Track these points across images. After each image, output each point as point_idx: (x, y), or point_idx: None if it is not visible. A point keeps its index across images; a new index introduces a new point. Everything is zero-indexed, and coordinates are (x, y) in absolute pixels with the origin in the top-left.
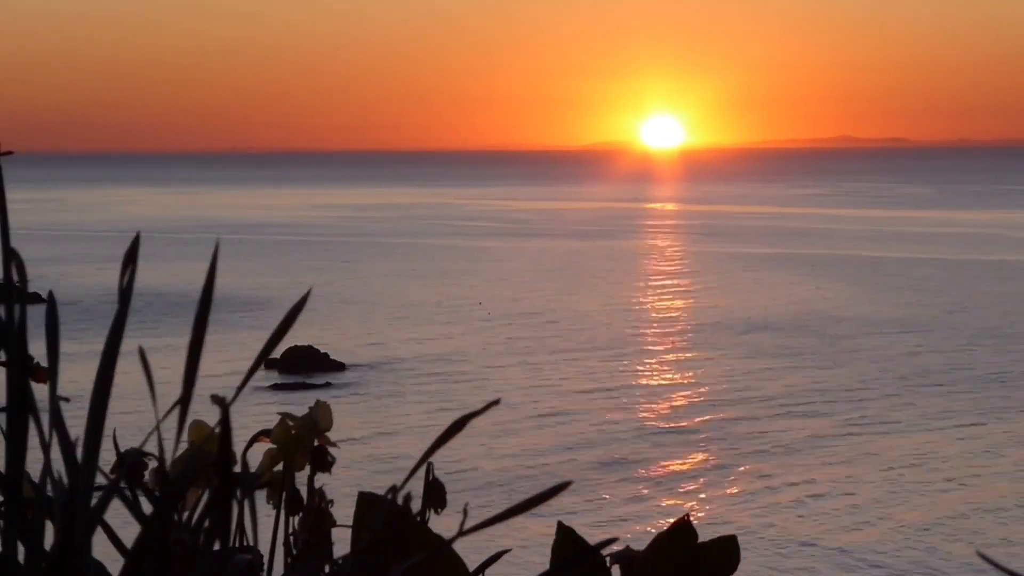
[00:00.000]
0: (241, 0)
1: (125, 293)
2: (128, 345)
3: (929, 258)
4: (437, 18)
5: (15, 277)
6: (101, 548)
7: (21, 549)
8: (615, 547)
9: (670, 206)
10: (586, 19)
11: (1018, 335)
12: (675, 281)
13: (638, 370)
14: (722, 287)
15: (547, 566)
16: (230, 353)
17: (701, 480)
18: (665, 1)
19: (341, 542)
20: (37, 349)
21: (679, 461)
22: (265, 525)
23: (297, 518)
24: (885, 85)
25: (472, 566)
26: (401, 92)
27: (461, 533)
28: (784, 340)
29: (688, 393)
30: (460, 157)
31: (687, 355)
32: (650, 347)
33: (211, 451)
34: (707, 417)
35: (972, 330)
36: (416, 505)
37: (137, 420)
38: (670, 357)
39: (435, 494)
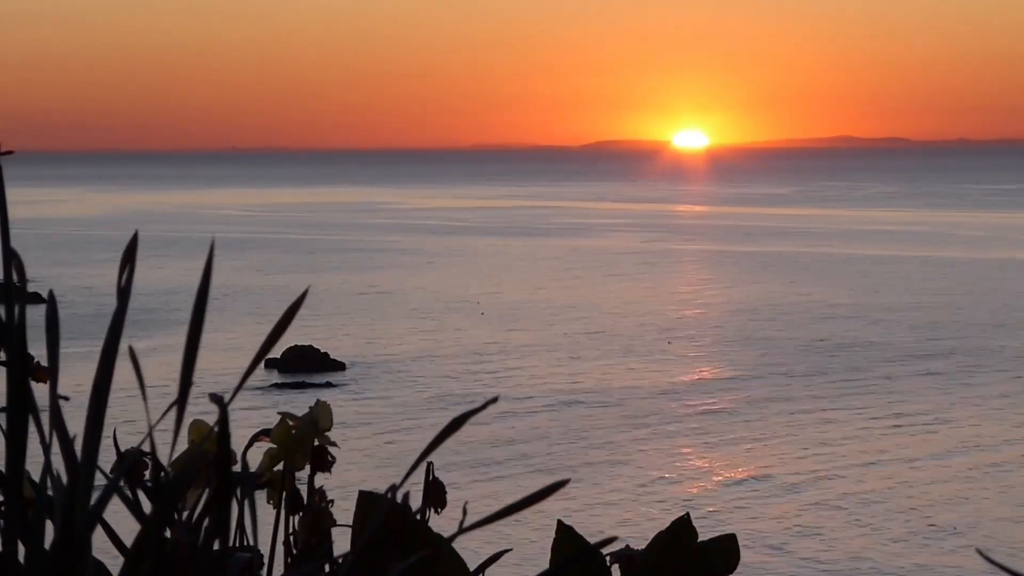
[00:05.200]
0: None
1: (124, 292)
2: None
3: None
4: (453, 20)
5: (15, 277)
6: (102, 547)
7: (21, 549)
8: (615, 546)
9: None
10: (585, 23)
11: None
12: (651, 278)
13: (633, 365)
14: (706, 284)
15: (547, 565)
16: (220, 351)
17: (700, 476)
18: (667, 4)
19: (341, 541)
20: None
21: (677, 457)
22: (265, 525)
23: (297, 518)
24: (885, 84)
25: (473, 565)
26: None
27: (461, 531)
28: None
29: (684, 388)
30: (470, 155)
31: (677, 351)
32: (641, 343)
33: (210, 450)
34: (703, 412)
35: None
36: (416, 504)
37: (139, 419)
38: (656, 353)
39: (435, 494)
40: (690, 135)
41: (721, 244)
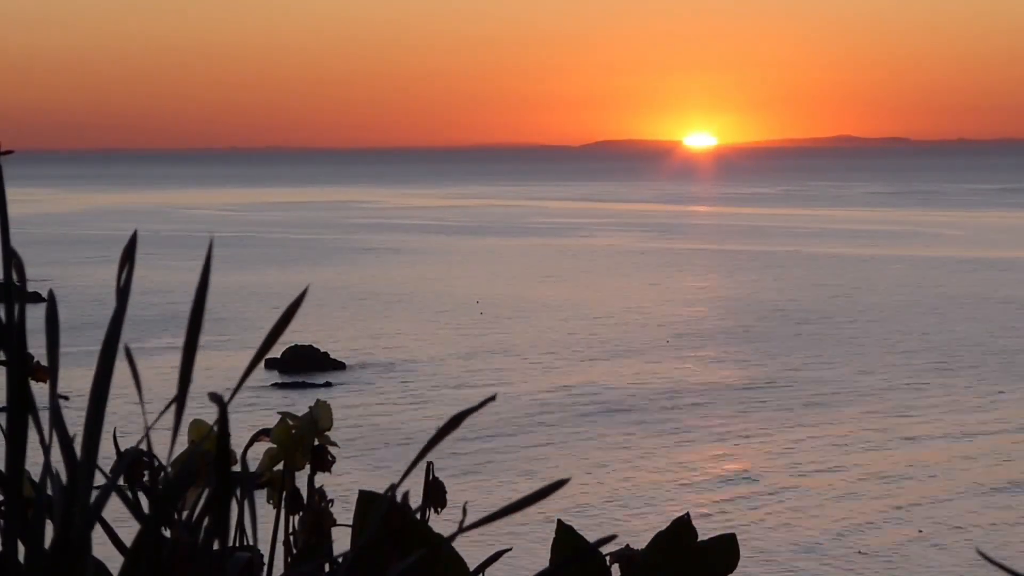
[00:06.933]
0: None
1: (123, 291)
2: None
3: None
4: (456, 19)
5: (15, 277)
6: (102, 547)
7: (21, 549)
8: (615, 545)
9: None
10: (589, 23)
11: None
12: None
13: (633, 364)
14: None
15: (547, 564)
16: (220, 352)
17: (700, 475)
18: (670, 4)
19: (341, 541)
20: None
21: (677, 456)
22: (265, 525)
23: (297, 517)
24: (886, 84)
25: (473, 565)
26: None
27: (460, 530)
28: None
29: (685, 386)
30: (470, 154)
31: (673, 350)
32: (640, 341)
33: (210, 450)
34: (703, 410)
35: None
36: (416, 503)
37: (139, 419)
38: (654, 353)
39: (435, 493)
40: (698, 135)
41: (706, 243)
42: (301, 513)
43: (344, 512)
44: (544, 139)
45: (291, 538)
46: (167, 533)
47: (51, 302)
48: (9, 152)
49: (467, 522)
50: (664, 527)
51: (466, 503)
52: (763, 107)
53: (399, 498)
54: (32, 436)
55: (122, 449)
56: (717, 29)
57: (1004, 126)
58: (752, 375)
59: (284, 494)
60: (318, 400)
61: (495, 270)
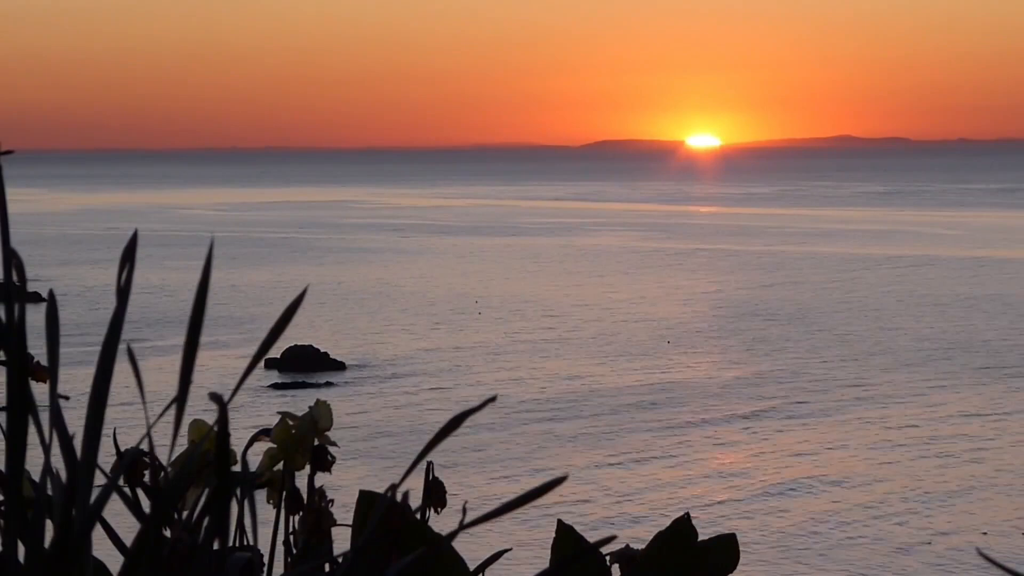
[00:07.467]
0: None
1: (123, 291)
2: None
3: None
4: (457, 19)
5: (15, 277)
6: (102, 547)
7: (21, 549)
8: (615, 545)
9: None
10: (591, 24)
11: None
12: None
13: (633, 365)
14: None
15: (547, 564)
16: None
17: (700, 474)
18: (672, 5)
19: (341, 541)
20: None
21: (677, 456)
22: (265, 525)
23: (297, 517)
24: (886, 84)
25: (472, 565)
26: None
27: (460, 529)
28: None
29: (681, 384)
30: (469, 154)
31: (672, 350)
32: (639, 342)
33: (210, 450)
34: (703, 411)
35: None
36: (416, 503)
37: (139, 419)
38: (655, 353)
39: (435, 493)
40: (700, 135)
41: (707, 243)
42: (301, 513)
43: (344, 512)
44: (544, 139)
45: (291, 538)
46: (167, 533)
47: (51, 302)
48: (9, 152)
49: (467, 520)
50: (664, 527)
51: (466, 502)
52: (764, 107)
53: (399, 498)
54: (32, 436)
55: (122, 449)
56: (719, 29)
57: (1004, 126)
58: (752, 374)
59: (284, 494)
60: (318, 400)
61: (494, 270)
